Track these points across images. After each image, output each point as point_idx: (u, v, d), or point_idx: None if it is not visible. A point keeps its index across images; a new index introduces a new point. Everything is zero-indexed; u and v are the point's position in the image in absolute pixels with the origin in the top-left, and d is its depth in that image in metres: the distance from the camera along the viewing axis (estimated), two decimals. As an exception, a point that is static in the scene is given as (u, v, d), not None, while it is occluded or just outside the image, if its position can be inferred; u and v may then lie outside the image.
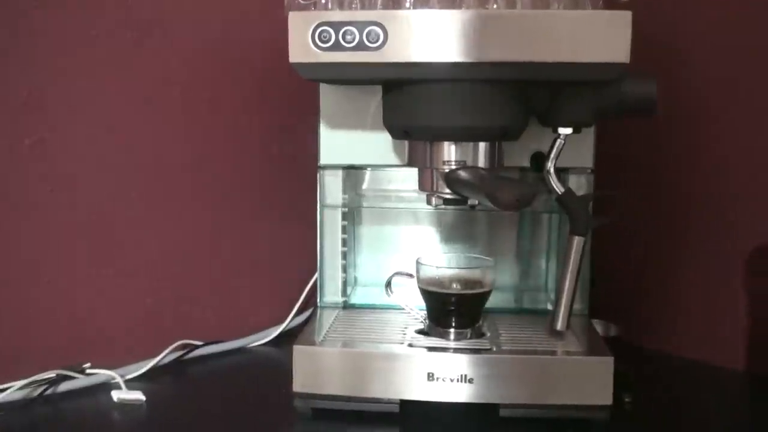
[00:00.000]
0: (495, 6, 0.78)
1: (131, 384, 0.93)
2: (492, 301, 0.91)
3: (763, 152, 0.98)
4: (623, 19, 0.75)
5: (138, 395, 0.89)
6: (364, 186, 1.03)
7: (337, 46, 0.77)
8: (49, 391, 0.90)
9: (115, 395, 0.89)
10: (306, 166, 1.00)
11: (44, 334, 0.92)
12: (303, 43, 0.78)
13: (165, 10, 0.99)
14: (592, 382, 0.83)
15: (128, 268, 0.99)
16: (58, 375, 0.91)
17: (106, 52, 0.94)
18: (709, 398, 0.95)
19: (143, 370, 0.97)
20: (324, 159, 0.97)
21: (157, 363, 0.99)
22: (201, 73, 1.03)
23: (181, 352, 1.03)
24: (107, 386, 0.92)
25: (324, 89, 0.95)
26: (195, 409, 0.90)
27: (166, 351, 1.00)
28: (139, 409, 0.88)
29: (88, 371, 0.93)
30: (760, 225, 0.97)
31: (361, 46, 0.77)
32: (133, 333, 0.99)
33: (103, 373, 0.93)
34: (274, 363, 1.04)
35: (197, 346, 1.04)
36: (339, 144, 0.96)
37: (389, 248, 1.05)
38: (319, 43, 0.77)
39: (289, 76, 0.81)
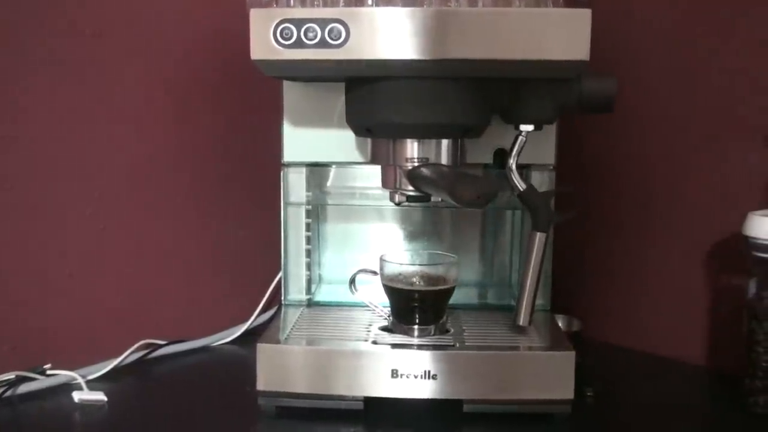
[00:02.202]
0: (457, 4, 0.78)
1: (93, 385, 0.92)
2: (456, 298, 0.92)
3: (724, 149, 0.99)
4: (583, 17, 0.75)
5: (99, 396, 0.89)
6: (329, 183, 1.02)
7: (299, 44, 0.77)
8: (8, 393, 0.88)
9: (76, 396, 0.88)
10: (270, 163, 1.00)
11: (3, 335, 0.90)
12: (265, 40, 0.77)
13: (123, 9, 0.98)
14: (554, 376, 0.83)
15: (90, 268, 0.97)
16: (17, 376, 0.89)
17: (62, 50, 0.92)
18: (669, 393, 0.96)
19: (105, 371, 0.95)
20: (287, 156, 0.97)
21: (119, 363, 0.98)
22: (161, 72, 1.02)
23: (144, 352, 1.02)
24: (68, 387, 0.91)
25: (287, 86, 0.95)
26: (158, 409, 0.89)
27: (129, 351, 0.99)
28: (100, 410, 0.87)
29: (48, 372, 0.92)
30: (722, 223, 0.98)
31: (323, 44, 0.76)
32: (96, 333, 0.98)
33: (64, 374, 0.92)
34: (239, 362, 1.04)
35: (160, 346, 1.03)
36: (302, 141, 0.96)
37: (354, 245, 1.05)
38: (281, 41, 0.77)
39: (252, 72, 0.81)
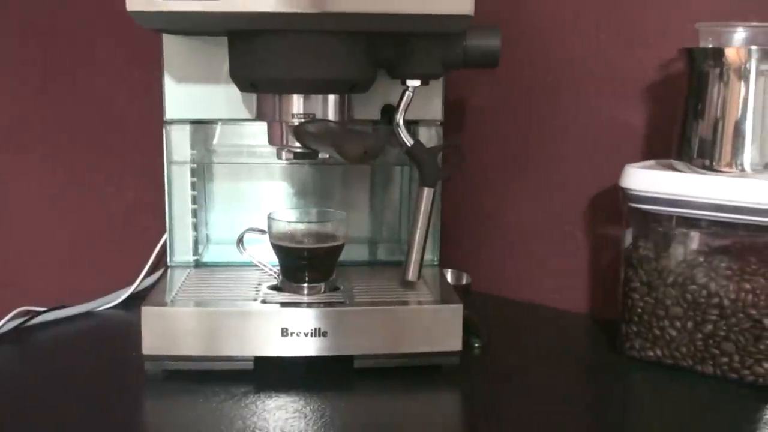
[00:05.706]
0: (340, -44, 0.77)
1: (-35, 356, 0.88)
2: (346, 255, 0.92)
3: (604, 104, 1.02)
4: (466, -30, 0.75)
5: (-27, 367, 0.84)
6: (215, 141, 0.99)
7: (178, -6, 0.73)
8: None
9: (-53, 368, 0.84)
10: (151, 121, 0.96)
11: None
12: (141, -11, 0.73)
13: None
14: (442, 329, 0.85)
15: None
16: None
17: None
18: (552, 341, 0.99)
19: (-21, 341, 0.91)
20: (169, 114, 0.93)
21: (-6, 332, 0.94)
22: (34, 24, 0.96)
23: (21, 319, 0.97)
24: (-62, 359, 0.86)
25: (168, 39, 0.91)
26: (37, 379, 0.85)
27: (5, 319, 0.95)
28: (-26, 382, 0.83)
29: None
30: (601, 175, 1.02)
31: (203, -6, 0.73)
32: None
33: (-68, 346, 0.87)
34: (124, 326, 1.00)
35: (39, 312, 0.99)
36: (185, 97, 0.93)
37: (242, 204, 1.03)
38: (159, -10, 0.73)
39: (132, 25, 0.77)
